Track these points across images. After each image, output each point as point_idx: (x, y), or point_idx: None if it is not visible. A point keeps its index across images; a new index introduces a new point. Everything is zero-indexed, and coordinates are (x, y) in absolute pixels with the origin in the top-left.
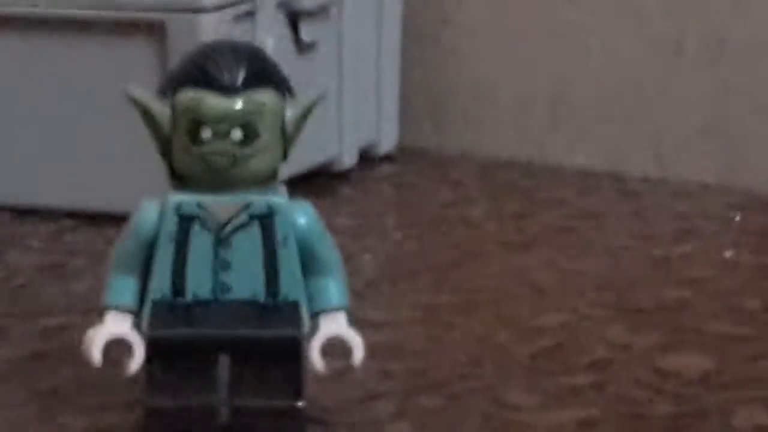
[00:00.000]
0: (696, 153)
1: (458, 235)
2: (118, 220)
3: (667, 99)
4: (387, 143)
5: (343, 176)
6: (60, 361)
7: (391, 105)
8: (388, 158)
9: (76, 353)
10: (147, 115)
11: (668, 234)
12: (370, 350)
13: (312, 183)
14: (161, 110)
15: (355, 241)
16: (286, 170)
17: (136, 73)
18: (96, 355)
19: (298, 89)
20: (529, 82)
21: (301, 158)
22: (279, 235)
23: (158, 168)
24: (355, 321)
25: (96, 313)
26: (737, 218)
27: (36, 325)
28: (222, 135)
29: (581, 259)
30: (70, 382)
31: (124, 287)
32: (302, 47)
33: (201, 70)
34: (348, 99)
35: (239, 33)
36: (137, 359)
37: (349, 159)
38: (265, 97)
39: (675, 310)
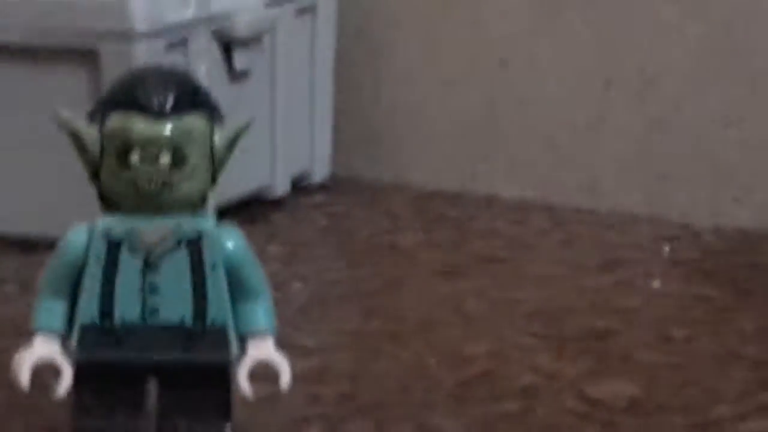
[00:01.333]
0: (627, 184)
1: (389, 263)
2: (47, 245)
3: (598, 131)
4: (320, 172)
5: (276, 204)
6: None
7: (324, 134)
8: (321, 187)
9: (4, 377)
10: (76, 139)
11: (598, 264)
12: (299, 375)
13: (245, 210)
14: (90, 134)
15: (286, 268)
16: (220, 197)
17: (69, 100)
18: (24, 378)
19: (231, 117)
20: (462, 113)
21: (234, 185)
22: (207, 260)
23: (88, 193)
24: (284, 347)
25: (25, 338)
26: (666, 249)
27: None
28: (151, 159)
29: (511, 288)
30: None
31: (52, 310)
32: (235, 75)
33: (130, 95)
34: (281, 127)
35: (172, 60)
36: (65, 382)
37: (281, 187)
38: (194, 121)
39: (603, 338)
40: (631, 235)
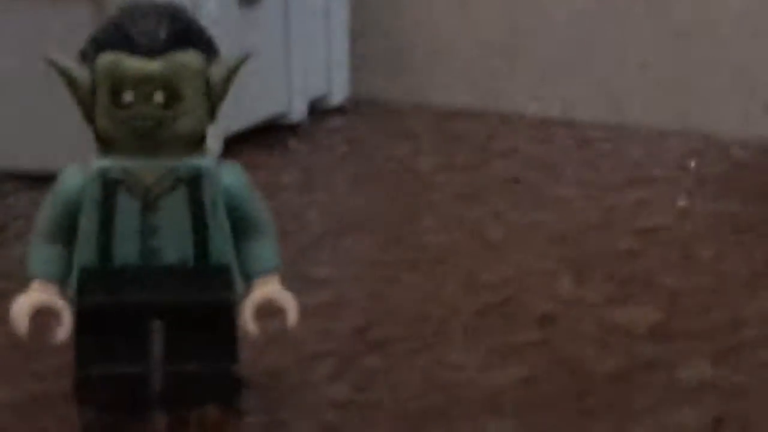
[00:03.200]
0: (652, 99)
1: (408, 188)
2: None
3: (621, 43)
4: (338, 94)
5: (293, 129)
6: None
7: (341, 56)
8: (339, 110)
9: (8, 320)
10: (68, 81)
11: (622, 182)
12: (311, 310)
13: (262, 137)
14: (82, 75)
15: (302, 196)
16: (235, 124)
17: (74, 36)
18: (22, 324)
19: (242, 43)
20: (486, 31)
21: (250, 112)
22: (207, 198)
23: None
24: (297, 278)
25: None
26: (693, 164)
27: None
28: (144, 98)
29: (532, 210)
30: (3, 350)
31: (49, 257)
32: (247, 0)
33: (121, 33)
34: (296, 51)
35: None
36: (65, 327)
37: (298, 112)
38: (188, 58)
39: (626, 261)
40: (657, 151)
